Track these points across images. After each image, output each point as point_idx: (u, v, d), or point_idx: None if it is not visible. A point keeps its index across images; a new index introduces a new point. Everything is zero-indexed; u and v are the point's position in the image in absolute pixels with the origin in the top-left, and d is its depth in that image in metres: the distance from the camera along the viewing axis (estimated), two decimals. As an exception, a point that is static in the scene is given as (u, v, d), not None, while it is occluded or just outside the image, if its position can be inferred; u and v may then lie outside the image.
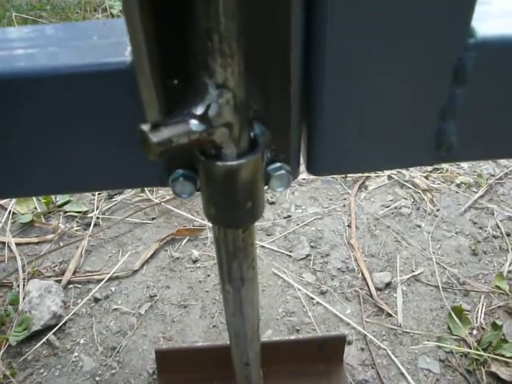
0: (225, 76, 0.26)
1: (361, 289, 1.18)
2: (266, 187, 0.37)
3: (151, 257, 1.26)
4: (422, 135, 0.37)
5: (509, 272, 1.21)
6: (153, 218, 1.38)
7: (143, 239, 1.32)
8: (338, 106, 0.34)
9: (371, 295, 1.16)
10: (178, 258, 1.26)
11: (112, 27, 0.36)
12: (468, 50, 0.32)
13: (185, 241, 1.31)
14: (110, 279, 1.21)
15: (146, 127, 0.26)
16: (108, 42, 0.34)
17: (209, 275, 1.22)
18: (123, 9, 0.24)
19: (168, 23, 0.27)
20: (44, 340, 1.07)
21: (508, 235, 1.30)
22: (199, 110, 0.27)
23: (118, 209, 1.41)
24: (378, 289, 1.18)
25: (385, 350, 1.06)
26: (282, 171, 0.36)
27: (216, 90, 0.27)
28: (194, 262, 1.25)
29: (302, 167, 0.39)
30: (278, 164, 0.37)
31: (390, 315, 1.12)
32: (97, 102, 0.33)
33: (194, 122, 0.27)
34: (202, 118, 0.27)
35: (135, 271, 1.23)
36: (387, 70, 0.32)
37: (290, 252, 1.27)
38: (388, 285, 1.19)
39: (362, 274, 1.21)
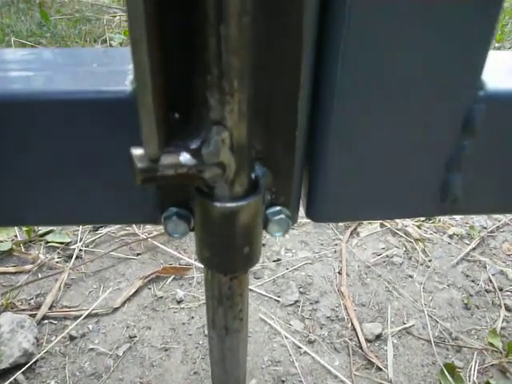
0: (222, 114, 0.25)
1: (350, 339, 1.14)
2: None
3: (133, 294, 1.21)
4: (428, 186, 0.36)
5: (502, 328, 1.17)
6: (138, 254, 1.33)
7: (126, 275, 1.26)
8: (342, 154, 0.33)
9: (361, 347, 1.12)
10: (161, 297, 1.21)
11: (112, 55, 0.35)
12: (478, 101, 0.31)
13: (170, 279, 1.26)
14: (89, 316, 1.15)
15: (134, 151, 0.25)
16: (108, 69, 0.33)
17: (193, 317, 1.16)
18: (130, 38, 0.22)
19: (173, 54, 0.26)
20: (11, 380, 0.99)
21: (500, 290, 1.28)
22: (193, 145, 0.26)
23: (102, 242, 1.36)
24: (367, 340, 1.13)
25: (374, 407, 1.00)
26: (282, 215, 0.35)
27: (213, 126, 0.25)
28: (179, 302, 1.20)
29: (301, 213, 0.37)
30: (278, 208, 0.35)
31: (380, 369, 1.07)
32: (92, 132, 0.32)
33: (184, 156, 0.26)
34: (195, 153, 0.26)
35: (116, 309, 1.17)
36: (395, 121, 0.32)
37: (279, 297, 1.23)
38: (378, 336, 1.14)
39: (352, 323, 1.17)
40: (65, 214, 0.36)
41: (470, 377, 1.07)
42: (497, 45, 2.65)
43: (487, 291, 1.27)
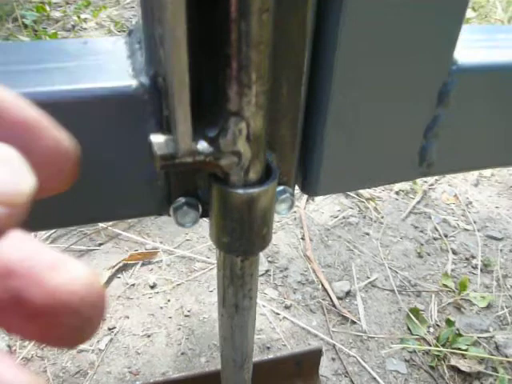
0: (240, 105, 0.26)
1: (323, 299, 1.20)
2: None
3: (104, 285, 1.17)
4: (408, 153, 0.40)
5: (452, 270, 1.30)
6: (100, 244, 1.29)
7: (92, 267, 1.22)
8: (335, 133, 0.35)
9: (334, 305, 1.19)
10: (133, 285, 1.19)
11: (93, 48, 0.33)
12: (451, 75, 0.35)
13: (138, 266, 1.24)
14: (60, 314, 1.10)
15: (154, 138, 0.25)
16: (100, 63, 0.31)
17: (169, 300, 1.16)
18: (170, 37, 0.22)
19: (195, 52, 0.26)
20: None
21: (446, 236, 1.41)
22: (211, 133, 0.27)
23: (59, 236, 1.30)
24: (339, 298, 1.21)
25: (354, 357, 1.08)
26: (287, 194, 0.37)
27: (230, 117, 0.26)
28: (152, 287, 1.19)
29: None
30: (282, 187, 0.37)
31: (354, 322, 1.15)
32: (96, 128, 0.30)
33: (202, 143, 0.27)
34: (212, 142, 0.27)
35: (88, 303, 1.13)
36: (381, 97, 0.35)
37: (250, 268, 1.26)
38: (348, 293, 1.22)
39: (322, 284, 1.23)
40: (68, 213, 0.34)
41: (431, 317, 1.18)
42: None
43: (435, 239, 1.40)
